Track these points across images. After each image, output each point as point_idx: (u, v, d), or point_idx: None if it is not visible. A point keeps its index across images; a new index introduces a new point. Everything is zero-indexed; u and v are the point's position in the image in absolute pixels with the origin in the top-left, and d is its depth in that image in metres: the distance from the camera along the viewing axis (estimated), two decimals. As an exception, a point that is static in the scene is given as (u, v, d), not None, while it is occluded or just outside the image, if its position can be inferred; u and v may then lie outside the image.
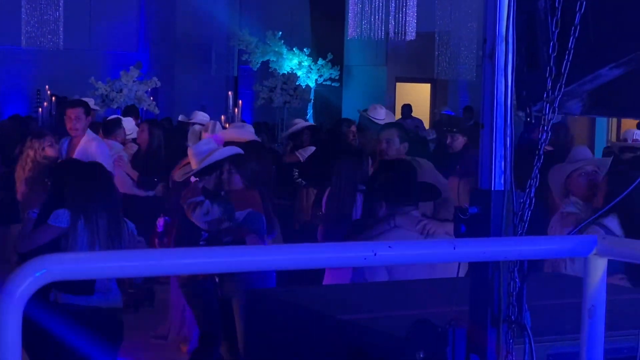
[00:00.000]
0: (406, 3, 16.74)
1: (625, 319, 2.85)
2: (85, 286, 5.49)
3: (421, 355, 2.74)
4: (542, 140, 2.71)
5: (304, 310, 3.32)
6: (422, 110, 21.13)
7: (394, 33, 17.26)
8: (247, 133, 8.32)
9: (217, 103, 19.38)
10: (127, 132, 10.86)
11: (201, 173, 6.89)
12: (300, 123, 11.47)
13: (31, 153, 8.38)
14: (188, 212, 6.59)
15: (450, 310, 2.78)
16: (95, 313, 5.53)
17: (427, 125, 19.33)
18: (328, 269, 6.17)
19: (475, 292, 2.70)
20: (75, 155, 8.35)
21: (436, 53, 19.14)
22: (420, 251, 2.20)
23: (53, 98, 17.28)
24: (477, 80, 17.50)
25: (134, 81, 15.91)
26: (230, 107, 17.57)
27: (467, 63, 18.75)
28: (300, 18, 20.92)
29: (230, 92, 18.96)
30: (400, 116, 18.31)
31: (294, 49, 19.92)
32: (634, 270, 4.74)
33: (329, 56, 19.81)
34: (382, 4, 17.19)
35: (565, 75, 2.65)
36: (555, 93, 2.68)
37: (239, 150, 7.06)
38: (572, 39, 2.64)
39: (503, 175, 2.71)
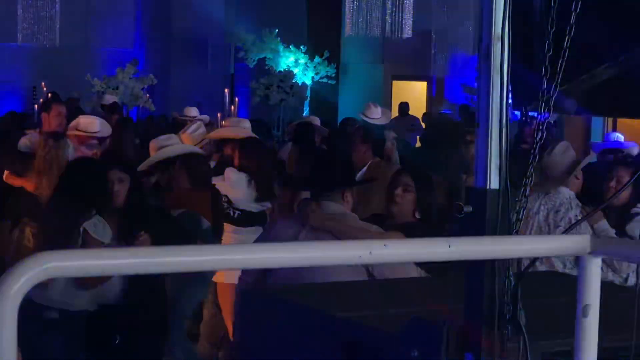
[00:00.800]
0: (403, 1, 16.76)
1: (620, 318, 2.85)
2: None
3: (415, 354, 2.75)
4: (537, 139, 2.72)
5: (298, 308, 3.33)
6: (418, 108, 21.14)
7: (391, 31, 17.27)
8: (243, 130, 8.29)
9: (214, 100, 19.38)
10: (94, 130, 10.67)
11: (156, 168, 6.85)
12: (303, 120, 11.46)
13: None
14: None
15: (445, 308, 2.79)
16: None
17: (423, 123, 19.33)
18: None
19: (470, 291, 2.71)
20: None
21: (432, 51, 19.16)
22: (416, 250, 2.21)
23: (49, 95, 17.27)
24: (473, 79, 17.50)
25: (130, 78, 15.93)
26: (227, 105, 17.57)
27: (463, 61, 18.76)
28: (296, 15, 20.92)
29: (226, 90, 18.96)
30: (397, 114, 18.32)
31: (290, 46, 19.92)
32: None
33: (326, 54, 19.82)
34: (379, 1, 17.20)
35: (561, 74, 2.66)
36: (551, 92, 2.69)
37: (194, 149, 7.06)
38: (568, 39, 2.65)
39: (498, 174, 2.71)
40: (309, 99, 19.97)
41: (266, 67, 19.81)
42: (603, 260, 2.48)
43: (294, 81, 19.42)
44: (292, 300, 3.46)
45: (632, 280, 5.63)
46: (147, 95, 16.58)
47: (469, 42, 18.44)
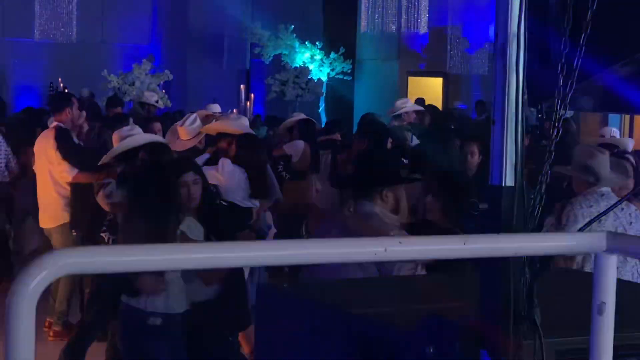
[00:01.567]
0: (418, -3, 16.75)
1: (636, 316, 2.85)
2: None
3: (431, 350, 2.75)
4: (553, 137, 2.71)
5: (315, 305, 3.34)
6: (435, 104, 21.10)
7: (406, 27, 17.25)
8: (240, 125, 8.22)
9: (229, 96, 19.42)
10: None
11: (119, 158, 6.80)
12: (296, 116, 11.48)
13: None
14: (95, 193, 6.61)
15: (460, 305, 2.79)
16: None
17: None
18: None
19: (485, 288, 2.71)
20: None
21: (448, 47, 19.13)
22: (430, 247, 2.21)
23: (65, 90, 17.33)
24: (489, 75, 17.47)
25: (146, 74, 15.96)
26: (242, 101, 17.60)
27: (479, 57, 18.72)
28: (312, 11, 20.93)
29: (242, 86, 18.99)
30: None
31: (306, 42, 19.93)
32: None
33: (341, 50, 19.81)
34: (395, -3, 17.20)
35: (577, 71, 2.65)
36: (567, 89, 2.68)
37: (157, 138, 7.01)
38: (584, 36, 2.65)
39: (514, 171, 2.71)
40: (324, 95, 19.98)
41: (282, 63, 19.82)
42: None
43: (309, 77, 19.43)
44: (309, 297, 3.47)
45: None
46: (163, 91, 16.62)
47: (484, 38, 18.39)
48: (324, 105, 19.96)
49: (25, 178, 9.26)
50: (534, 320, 2.63)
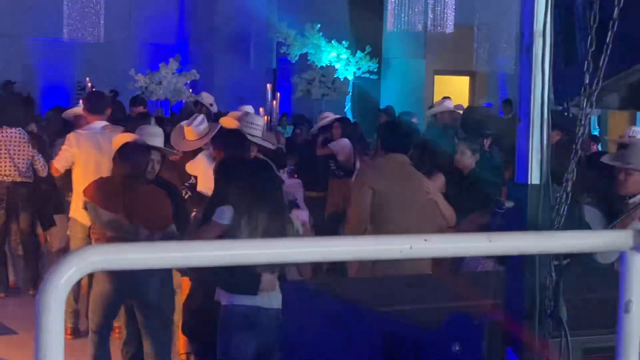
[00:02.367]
0: (445, -5, 16.71)
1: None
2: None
3: (456, 348, 2.76)
4: (579, 135, 2.71)
5: (339, 302, 3.35)
6: (461, 103, 21.02)
7: (432, 25, 17.22)
8: (236, 122, 8.19)
9: (256, 95, 19.43)
10: None
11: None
12: (329, 116, 11.49)
13: None
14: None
15: (486, 303, 2.80)
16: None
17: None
18: None
19: (511, 286, 2.71)
20: None
21: (475, 45, 19.07)
22: (456, 244, 2.22)
23: (93, 90, 17.43)
24: (516, 73, 17.38)
25: (173, 73, 16.02)
26: (269, 100, 17.62)
27: (506, 55, 18.66)
28: (338, 10, 20.92)
29: (268, 85, 19.01)
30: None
31: (332, 41, 19.93)
32: None
33: (368, 49, 19.80)
34: (421, -4, 17.17)
35: (603, 69, 2.65)
36: (593, 87, 2.68)
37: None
38: (610, 33, 2.64)
39: (540, 169, 2.71)
40: (350, 94, 19.97)
41: (308, 62, 19.83)
42: None
43: (335, 76, 19.43)
44: (335, 294, 3.48)
45: None
46: (190, 90, 16.68)
47: (511, 36, 18.32)
48: (350, 104, 19.95)
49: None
50: (559, 318, 2.63)
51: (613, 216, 5.41)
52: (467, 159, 7.77)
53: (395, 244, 2.19)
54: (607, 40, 2.64)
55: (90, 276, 6.68)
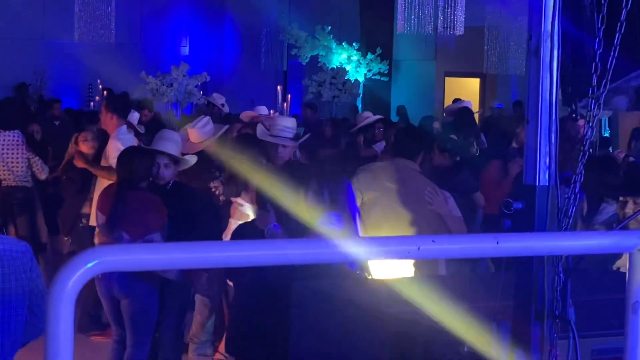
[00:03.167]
0: (455, -3, 16.70)
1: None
2: None
3: (465, 349, 2.77)
4: (587, 137, 2.71)
5: (350, 304, 3.36)
6: (472, 105, 20.99)
7: (443, 28, 17.21)
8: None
9: (266, 97, 19.46)
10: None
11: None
12: (370, 117, 11.36)
13: (70, 149, 8.48)
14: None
15: (494, 304, 2.80)
16: None
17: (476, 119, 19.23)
18: None
19: (519, 287, 2.72)
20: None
21: (485, 47, 19.05)
22: (463, 245, 2.22)
23: (104, 92, 17.48)
24: (526, 75, 17.34)
25: (184, 76, 16.03)
26: (280, 102, 17.64)
27: (516, 57, 18.63)
28: (349, 12, 20.92)
29: (279, 87, 19.02)
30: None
31: (343, 43, 19.93)
32: None
33: (378, 51, 19.79)
34: (431, -2, 17.15)
35: (611, 71, 2.65)
36: (601, 89, 2.69)
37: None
38: (618, 36, 2.65)
39: (548, 171, 2.72)
40: (361, 95, 19.96)
41: (319, 64, 19.84)
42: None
43: (346, 78, 19.42)
44: (345, 296, 3.49)
45: None
46: (201, 92, 16.70)
47: (522, 38, 18.28)
48: (360, 106, 19.94)
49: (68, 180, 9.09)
50: (567, 319, 2.64)
51: None
52: (439, 158, 7.54)
53: (403, 244, 2.19)
54: (615, 42, 2.65)
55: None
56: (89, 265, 1.86)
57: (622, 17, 2.64)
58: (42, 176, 9.44)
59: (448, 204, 6.18)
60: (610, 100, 2.93)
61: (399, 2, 17.73)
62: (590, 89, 2.72)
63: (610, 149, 15.14)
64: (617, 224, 5.62)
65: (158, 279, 6.34)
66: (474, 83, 22.38)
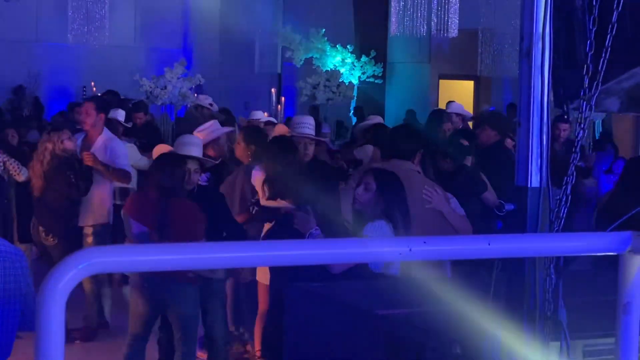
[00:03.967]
0: (448, 0, 16.70)
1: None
2: None
3: (457, 350, 2.77)
4: (579, 138, 2.72)
5: (343, 305, 3.36)
6: (466, 107, 21.01)
7: (436, 30, 17.23)
8: (284, 128, 8.15)
9: (261, 100, 19.47)
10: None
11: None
12: (373, 119, 11.36)
13: (50, 146, 8.21)
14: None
15: (485, 306, 2.80)
16: None
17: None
18: None
19: (511, 288, 2.72)
20: (92, 151, 8.37)
21: (479, 50, 19.07)
22: (455, 247, 2.23)
23: (99, 94, 17.47)
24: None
25: (178, 78, 16.02)
26: (274, 104, 17.64)
27: (510, 60, 18.64)
28: (343, 15, 20.93)
29: (273, 89, 19.03)
30: (443, 113, 18.23)
31: (337, 46, 19.94)
32: None
33: (372, 53, 19.80)
34: (425, 1, 17.15)
35: (602, 73, 2.66)
36: (592, 91, 2.69)
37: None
38: (609, 38, 2.66)
39: (539, 173, 2.73)
40: (355, 98, 19.97)
41: (313, 67, 19.84)
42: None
43: (340, 80, 19.43)
44: (336, 297, 3.49)
45: None
46: (195, 94, 16.69)
47: (516, 40, 18.29)
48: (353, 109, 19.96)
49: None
50: (559, 320, 2.64)
51: None
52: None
53: (394, 246, 2.20)
54: (606, 44, 2.66)
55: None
56: (80, 267, 1.86)
57: (614, 19, 2.64)
58: (20, 178, 9.25)
59: (450, 203, 6.02)
60: (602, 102, 2.93)
61: (392, 4, 17.75)
62: (582, 90, 2.73)
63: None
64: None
65: (200, 282, 6.36)
66: (468, 85, 22.39)
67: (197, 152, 6.82)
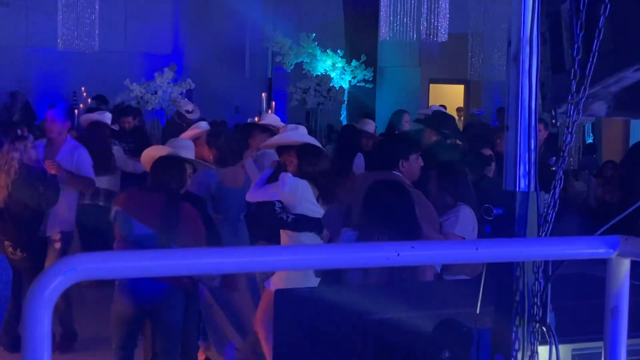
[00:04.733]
0: (438, 4, 16.72)
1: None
2: None
3: (446, 355, 2.77)
4: (566, 142, 2.73)
5: (331, 310, 3.36)
6: (456, 111, 21.09)
7: (426, 34, 17.25)
8: (299, 135, 8.06)
9: (251, 104, 19.47)
10: None
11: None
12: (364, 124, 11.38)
13: (16, 155, 7.75)
14: None
15: (475, 310, 2.81)
16: None
17: (460, 126, 19.28)
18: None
19: (500, 293, 2.73)
20: (58, 159, 8.30)
21: (469, 54, 19.11)
22: (442, 252, 2.23)
23: (89, 100, 17.45)
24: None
25: (168, 83, 16.01)
26: (264, 109, 17.64)
27: (500, 64, 18.68)
28: (333, 20, 20.95)
29: (264, 94, 19.03)
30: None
31: (327, 50, 19.96)
32: None
33: (363, 57, 19.82)
34: (414, 5, 17.17)
35: (590, 77, 2.66)
36: (580, 95, 2.70)
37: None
38: (597, 42, 2.66)
39: (527, 177, 2.73)
40: (346, 102, 19.98)
41: (303, 71, 19.85)
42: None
43: (331, 85, 19.45)
44: (325, 301, 3.49)
45: None
46: (186, 99, 16.68)
47: (505, 45, 18.32)
48: (345, 113, 19.96)
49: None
50: (548, 324, 2.64)
51: None
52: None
53: (382, 250, 2.20)
54: (594, 48, 2.66)
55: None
56: (67, 273, 1.85)
57: (601, 23, 2.65)
58: None
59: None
60: (589, 107, 2.94)
61: (382, 9, 17.76)
62: (569, 95, 2.73)
63: (595, 156, 15.19)
64: None
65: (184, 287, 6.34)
66: (458, 90, 22.44)
67: (191, 154, 6.93)
